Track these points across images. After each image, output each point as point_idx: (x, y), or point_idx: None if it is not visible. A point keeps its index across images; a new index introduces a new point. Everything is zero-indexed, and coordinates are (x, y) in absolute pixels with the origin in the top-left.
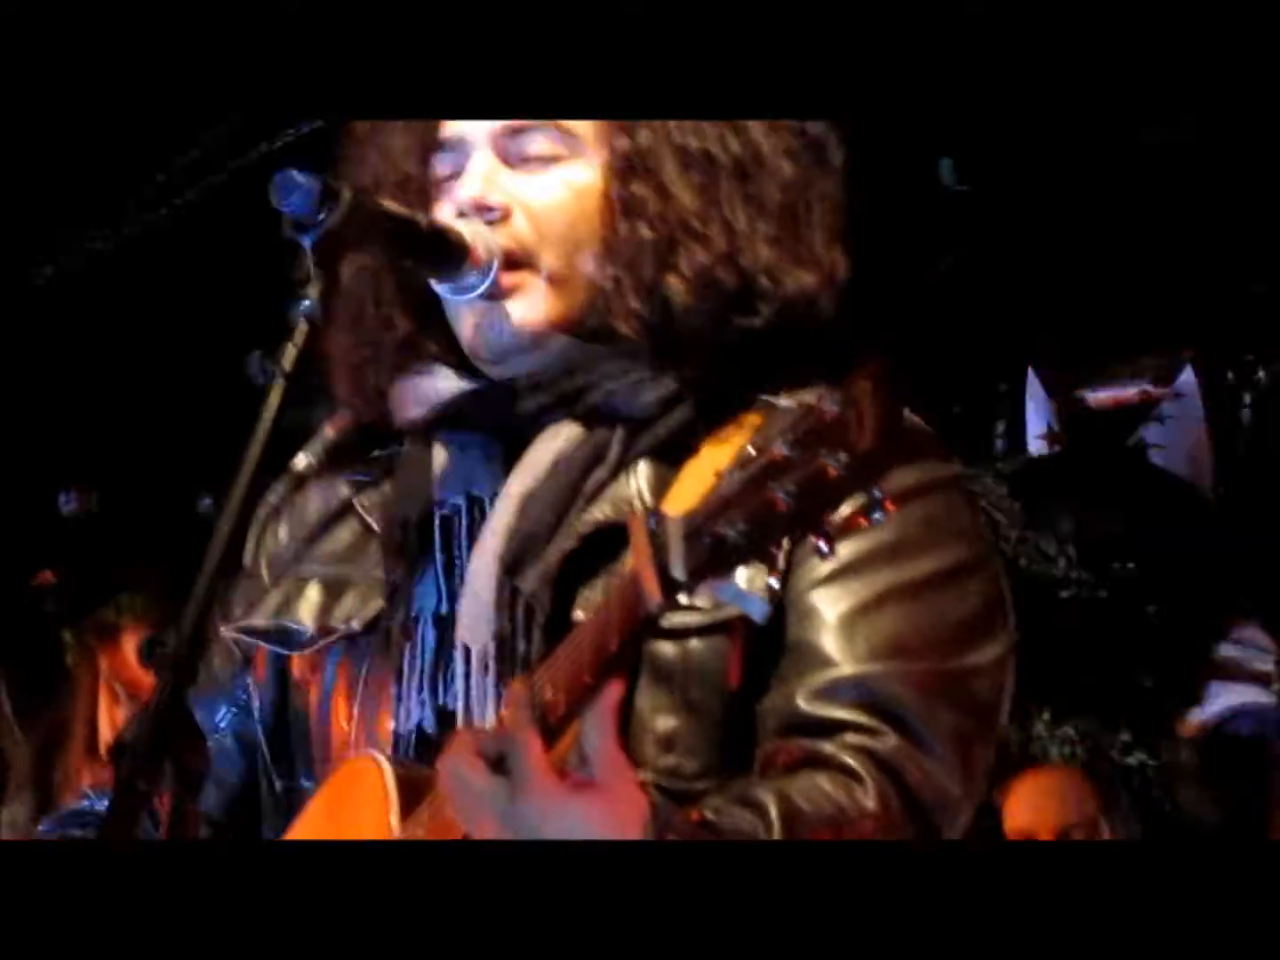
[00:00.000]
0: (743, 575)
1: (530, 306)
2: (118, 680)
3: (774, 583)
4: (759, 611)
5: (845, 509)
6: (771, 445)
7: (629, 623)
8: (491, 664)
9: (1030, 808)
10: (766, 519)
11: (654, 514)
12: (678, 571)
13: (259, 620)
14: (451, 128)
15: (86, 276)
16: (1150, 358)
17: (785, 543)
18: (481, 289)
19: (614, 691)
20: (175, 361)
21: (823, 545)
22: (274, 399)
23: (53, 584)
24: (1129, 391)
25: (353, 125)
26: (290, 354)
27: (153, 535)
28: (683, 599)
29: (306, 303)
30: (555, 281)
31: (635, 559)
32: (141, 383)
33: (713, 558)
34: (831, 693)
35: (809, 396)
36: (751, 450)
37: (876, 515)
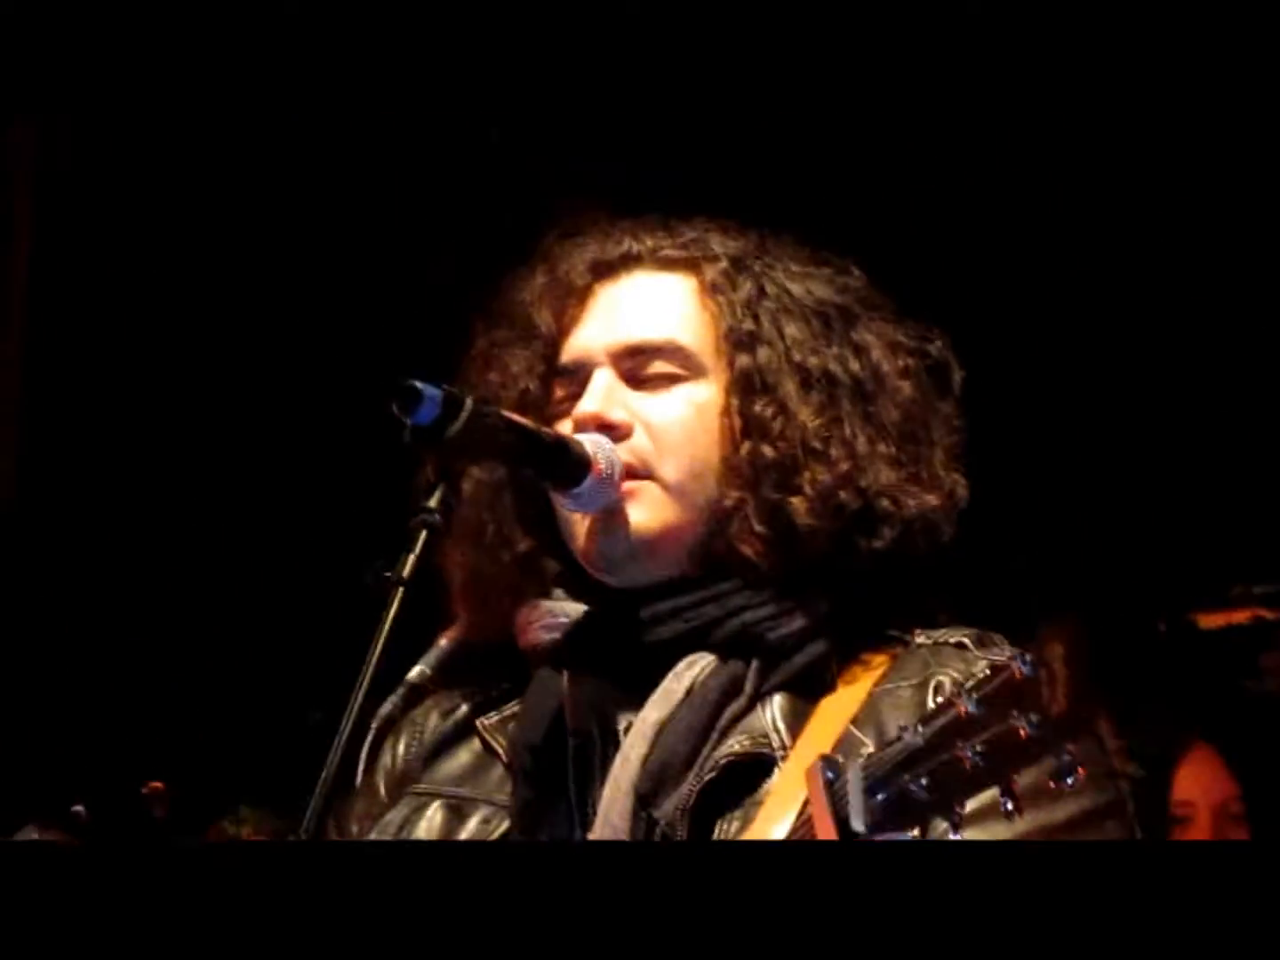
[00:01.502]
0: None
1: (648, 514)
2: None
3: (955, 838)
4: None
5: (1036, 772)
6: (958, 702)
7: None
8: None
9: (1193, 779)
10: (952, 776)
11: (831, 762)
12: (858, 824)
13: (381, 837)
14: (572, 350)
15: (200, 473)
16: (1264, 583)
17: (969, 802)
18: (603, 502)
19: None
20: (292, 569)
21: (1008, 805)
22: (392, 608)
23: (162, 793)
24: (1240, 614)
25: (474, 345)
26: (409, 563)
27: (267, 748)
28: None
29: (427, 511)
30: (674, 492)
31: (813, 809)
32: (255, 593)
33: (894, 811)
34: None
35: (942, 635)
36: (935, 705)
37: (1068, 780)
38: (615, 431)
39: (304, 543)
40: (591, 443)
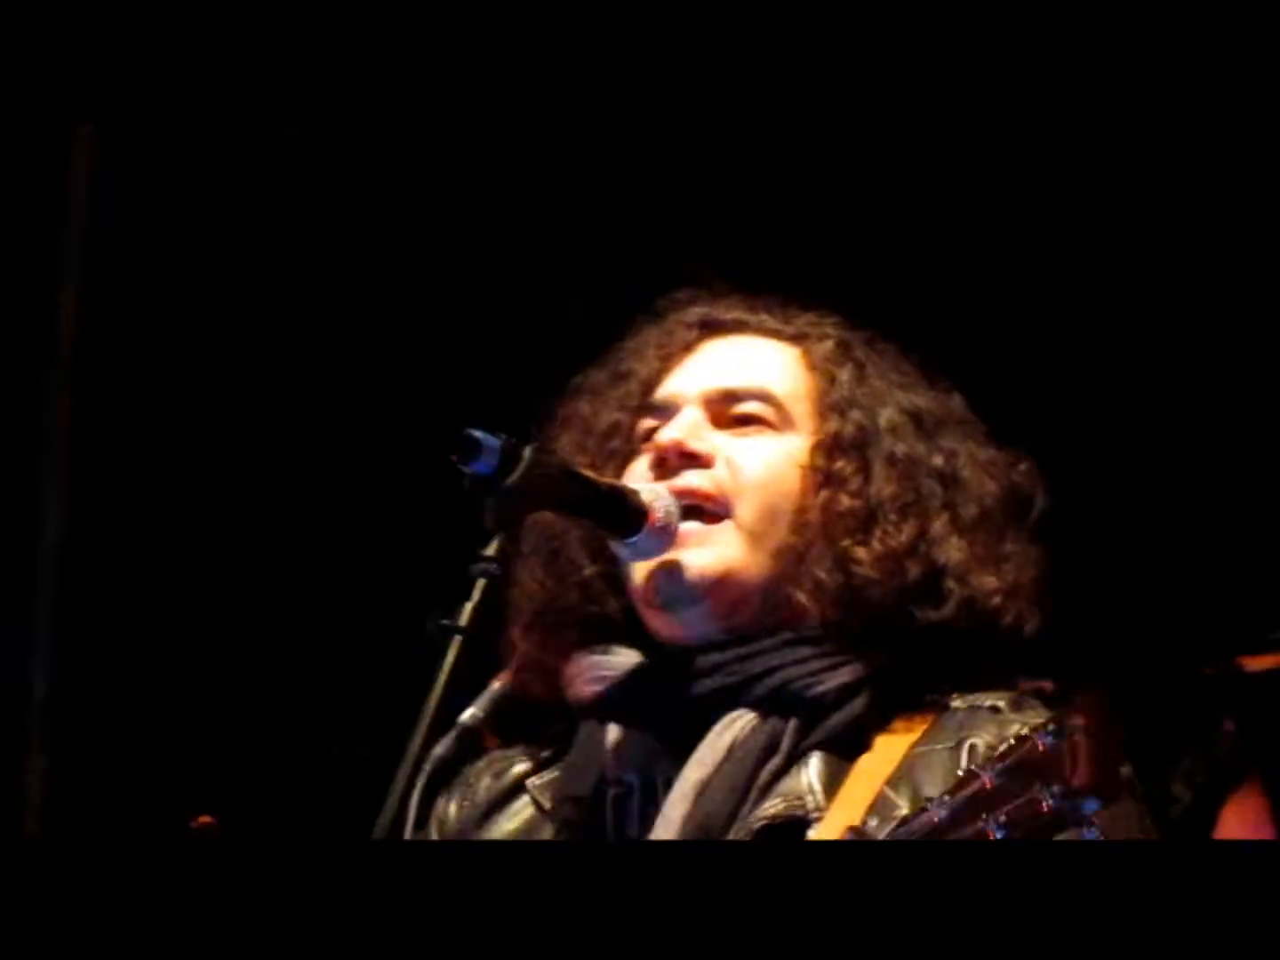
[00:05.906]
0: None
1: (716, 554)
2: None
3: None
4: None
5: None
6: (982, 774)
7: None
8: None
9: (1239, 820)
10: None
11: (859, 836)
12: None
13: None
14: (665, 389)
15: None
16: None
17: None
18: (658, 552)
19: None
20: (353, 616)
21: None
22: (450, 656)
23: (212, 829)
24: None
25: (570, 383)
26: (468, 611)
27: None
28: None
29: (485, 560)
30: (746, 533)
31: None
32: (314, 639)
33: None
34: None
35: (978, 699)
36: (960, 775)
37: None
38: (697, 460)
39: (365, 589)
40: (650, 492)
